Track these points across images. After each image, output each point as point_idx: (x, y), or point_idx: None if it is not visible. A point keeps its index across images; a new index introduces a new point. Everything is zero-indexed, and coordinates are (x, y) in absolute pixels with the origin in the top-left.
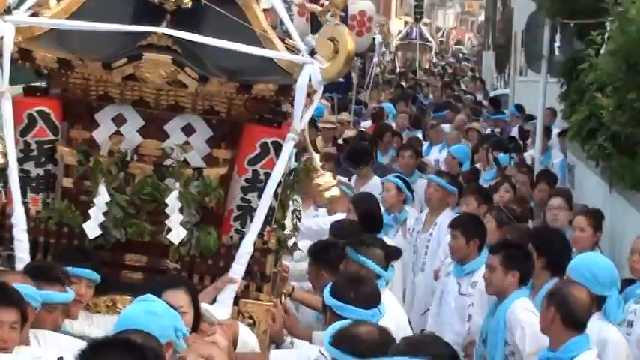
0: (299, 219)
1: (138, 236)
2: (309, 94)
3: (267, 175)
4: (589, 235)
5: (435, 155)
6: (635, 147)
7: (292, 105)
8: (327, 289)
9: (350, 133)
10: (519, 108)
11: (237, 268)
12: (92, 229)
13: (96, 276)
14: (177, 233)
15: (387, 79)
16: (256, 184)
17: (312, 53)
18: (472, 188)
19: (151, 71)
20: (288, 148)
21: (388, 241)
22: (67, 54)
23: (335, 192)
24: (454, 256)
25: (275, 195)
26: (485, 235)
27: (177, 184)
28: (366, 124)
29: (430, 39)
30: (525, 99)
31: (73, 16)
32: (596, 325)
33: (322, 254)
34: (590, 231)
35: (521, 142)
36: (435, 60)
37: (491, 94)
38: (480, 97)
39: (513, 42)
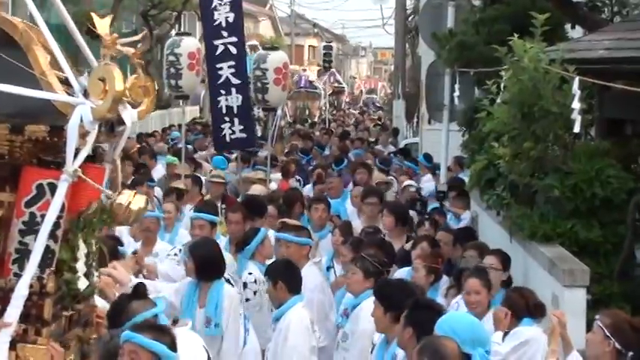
0: (94, 261)
1: None
2: (83, 135)
3: (44, 217)
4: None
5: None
6: (533, 196)
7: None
8: None
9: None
10: (428, 157)
11: (12, 312)
12: None
13: None
14: None
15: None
16: (33, 227)
17: (86, 94)
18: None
19: None
20: (62, 189)
21: None
22: None
23: (140, 202)
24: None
25: (54, 237)
26: None
27: None
28: (276, 177)
29: (319, 86)
30: (434, 148)
31: None
32: None
33: None
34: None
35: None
36: (325, 107)
37: (402, 143)
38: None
39: (421, 91)
